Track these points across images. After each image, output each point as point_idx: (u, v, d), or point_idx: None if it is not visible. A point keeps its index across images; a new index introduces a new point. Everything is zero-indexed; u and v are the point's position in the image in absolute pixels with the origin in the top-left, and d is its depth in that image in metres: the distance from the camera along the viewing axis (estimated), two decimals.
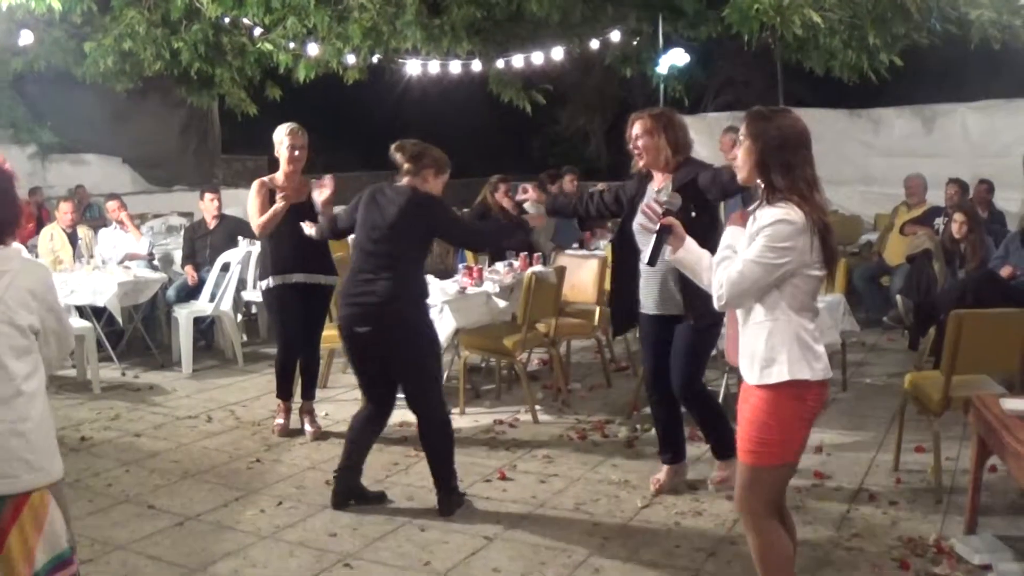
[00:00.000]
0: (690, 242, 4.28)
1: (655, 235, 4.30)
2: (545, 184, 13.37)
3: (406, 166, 6.07)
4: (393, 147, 6.14)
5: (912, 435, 6.97)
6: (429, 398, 6.12)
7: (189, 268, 10.94)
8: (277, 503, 6.27)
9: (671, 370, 6.12)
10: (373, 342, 5.98)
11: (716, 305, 4.04)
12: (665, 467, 6.48)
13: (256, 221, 7.50)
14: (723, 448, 6.26)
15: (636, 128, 6.07)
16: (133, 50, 14.90)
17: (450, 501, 6.09)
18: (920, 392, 6.44)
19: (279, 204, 7.35)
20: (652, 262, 4.41)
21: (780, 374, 3.95)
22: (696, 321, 5.89)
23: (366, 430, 6.28)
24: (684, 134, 6.06)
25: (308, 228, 7.09)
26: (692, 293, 5.61)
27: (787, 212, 3.88)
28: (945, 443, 6.45)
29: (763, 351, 3.99)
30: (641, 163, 6.12)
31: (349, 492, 6.20)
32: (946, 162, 13.95)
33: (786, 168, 3.94)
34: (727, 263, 4.01)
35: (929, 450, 6.56)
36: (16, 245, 3.80)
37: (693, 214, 5.40)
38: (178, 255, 11.55)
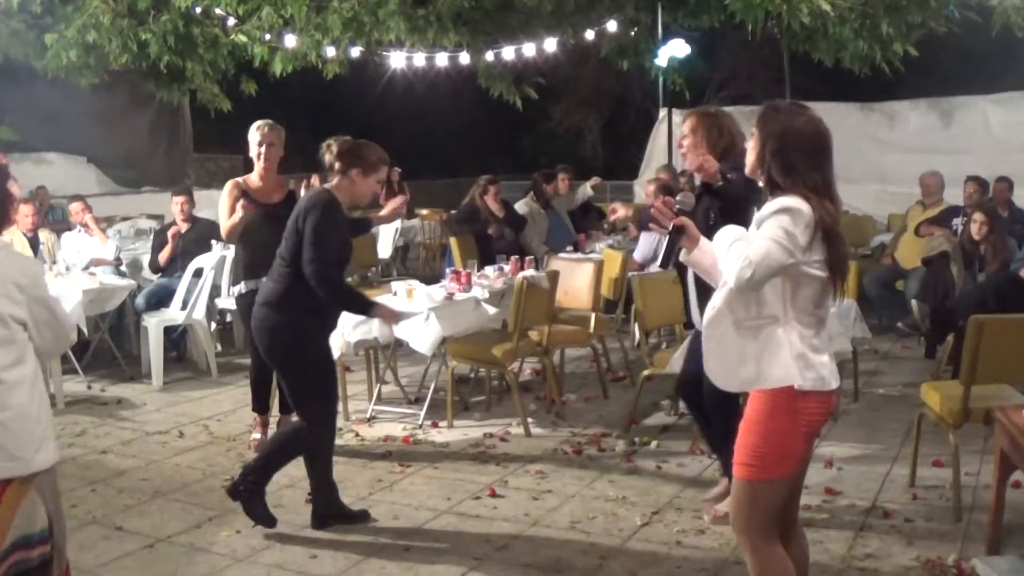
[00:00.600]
0: (705, 243, 4.25)
1: (668, 236, 4.29)
2: (540, 184, 13.38)
3: (335, 165, 6.08)
4: (322, 145, 6.16)
5: (929, 448, 6.97)
6: (301, 409, 6.14)
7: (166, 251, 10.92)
8: (253, 523, 6.23)
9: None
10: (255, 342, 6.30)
11: (739, 282, 3.83)
12: (721, 481, 6.42)
13: (226, 225, 7.53)
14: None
15: (684, 126, 6.12)
16: (98, 42, 14.87)
17: (247, 501, 6.08)
18: (937, 403, 6.43)
19: (238, 213, 7.39)
20: (665, 264, 4.41)
21: (770, 380, 3.93)
22: None
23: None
24: (727, 137, 6.02)
25: None
26: (707, 298, 5.62)
27: (793, 201, 3.86)
28: (965, 457, 6.45)
29: (752, 354, 3.97)
30: (686, 163, 6.15)
31: (328, 511, 6.19)
32: (965, 158, 13.94)
33: (787, 168, 3.93)
34: (741, 244, 3.90)
35: (948, 464, 6.57)
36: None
37: (711, 221, 5.46)
38: (147, 260, 11.51)
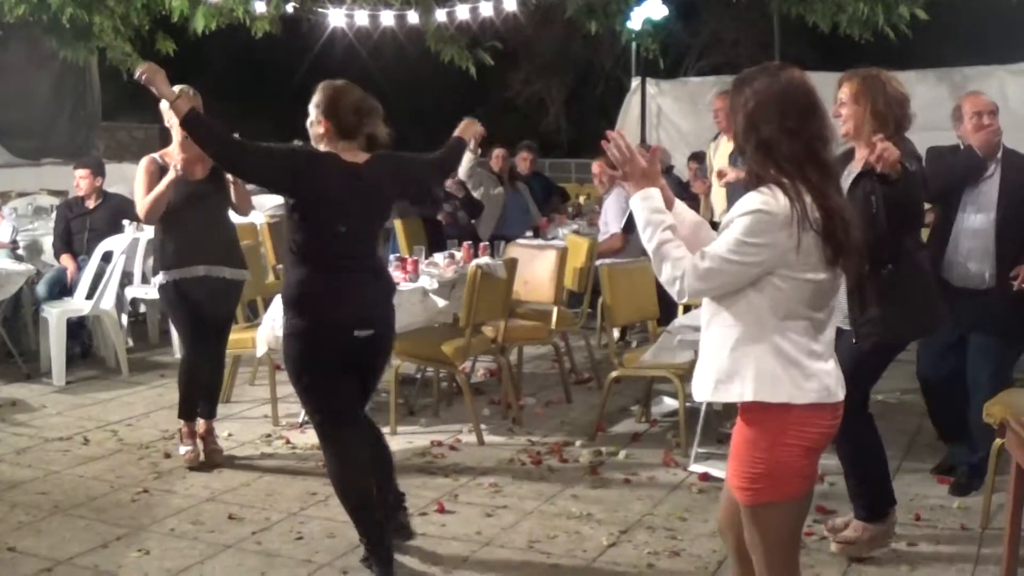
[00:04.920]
0: (679, 208, 4.22)
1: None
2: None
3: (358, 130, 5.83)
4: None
5: (933, 462, 7.03)
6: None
7: (67, 258, 10.81)
8: (169, 542, 6.21)
9: None
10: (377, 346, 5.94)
11: (674, 296, 3.96)
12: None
13: (142, 204, 7.41)
14: (858, 502, 6.03)
15: (842, 91, 5.90)
16: None
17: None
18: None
19: (169, 175, 7.26)
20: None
21: (741, 393, 3.90)
22: (858, 338, 5.77)
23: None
24: (897, 106, 5.81)
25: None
26: (859, 300, 5.60)
27: (767, 200, 3.80)
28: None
29: (724, 361, 3.93)
30: (842, 131, 5.89)
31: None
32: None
33: (771, 146, 3.87)
34: (673, 246, 3.93)
35: None
36: None
37: (874, 209, 5.47)
38: (48, 242, 11.42)
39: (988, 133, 6.78)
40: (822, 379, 3.92)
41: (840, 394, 4.00)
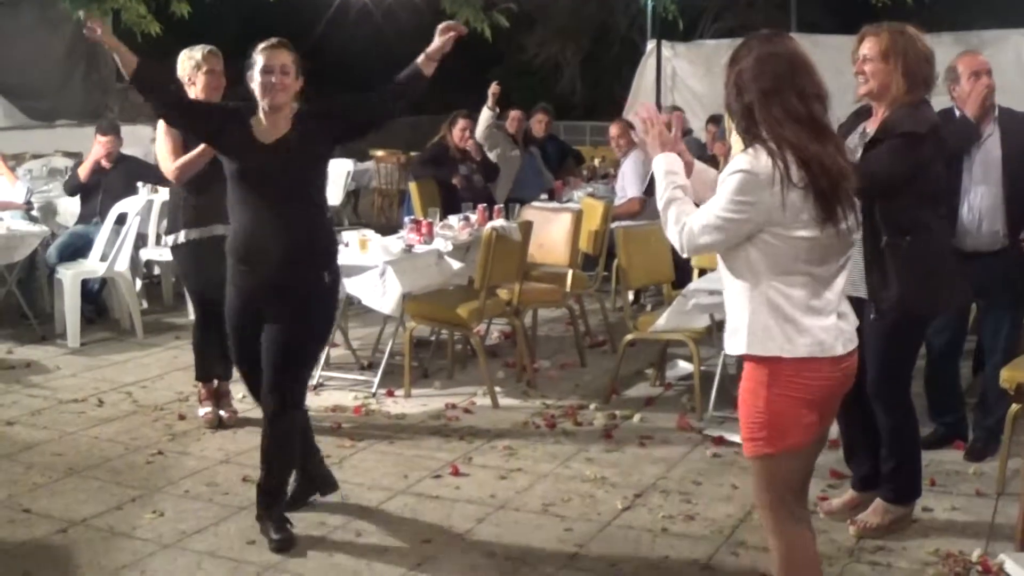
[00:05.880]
0: (699, 168, 4.41)
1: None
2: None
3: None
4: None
5: None
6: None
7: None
8: (183, 504, 6.21)
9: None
10: None
11: (677, 250, 4.15)
12: (850, 492, 6.21)
13: (169, 165, 7.33)
14: (889, 484, 5.86)
15: (866, 46, 5.58)
16: None
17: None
18: None
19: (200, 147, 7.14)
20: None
21: (737, 345, 4.05)
22: (879, 313, 5.58)
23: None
24: (926, 64, 5.56)
25: None
26: (879, 273, 5.49)
27: (751, 161, 3.91)
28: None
29: (729, 316, 4.11)
30: (863, 90, 5.64)
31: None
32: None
33: (747, 110, 4.00)
34: (680, 203, 4.11)
35: None
36: None
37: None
38: (63, 204, 11.39)
39: (979, 93, 6.63)
40: (816, 334, 3.98)
41: (839, 348, 4.02)
